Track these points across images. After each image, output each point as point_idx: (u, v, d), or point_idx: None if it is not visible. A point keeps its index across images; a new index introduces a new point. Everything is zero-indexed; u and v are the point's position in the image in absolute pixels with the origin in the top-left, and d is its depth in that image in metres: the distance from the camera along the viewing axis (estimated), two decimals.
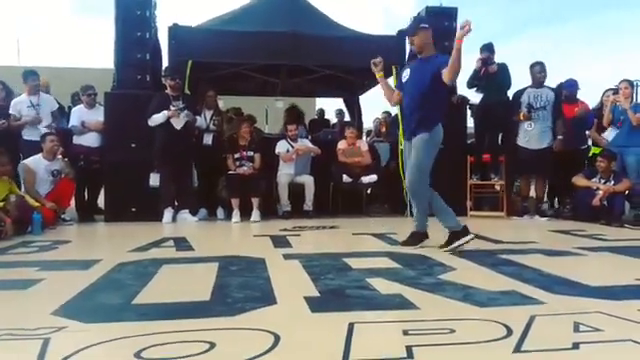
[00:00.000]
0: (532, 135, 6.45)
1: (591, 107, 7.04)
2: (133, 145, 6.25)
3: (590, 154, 6.81)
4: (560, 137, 6.44)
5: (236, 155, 6.43)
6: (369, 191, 7.48)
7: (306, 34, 6.71)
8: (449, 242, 3.94)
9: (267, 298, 2.53)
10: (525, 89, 6.62)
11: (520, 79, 6.80)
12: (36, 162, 5.82)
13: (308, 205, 6.59)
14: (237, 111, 7.85)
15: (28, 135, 6.30)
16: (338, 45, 6.90)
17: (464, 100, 7.07)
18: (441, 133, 4.10)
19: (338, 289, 2.73)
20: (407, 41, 4.09)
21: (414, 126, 4.06)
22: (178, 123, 6.05)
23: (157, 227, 5.73)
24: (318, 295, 2.60)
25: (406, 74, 4.19)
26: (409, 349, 1.77)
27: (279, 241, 4.57)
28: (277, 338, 1.91)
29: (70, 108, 7.06)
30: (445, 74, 3.83)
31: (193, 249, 4.24)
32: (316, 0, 7.68)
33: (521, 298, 2.50)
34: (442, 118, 4.10)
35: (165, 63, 6.71)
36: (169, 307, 2.41)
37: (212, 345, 1.84)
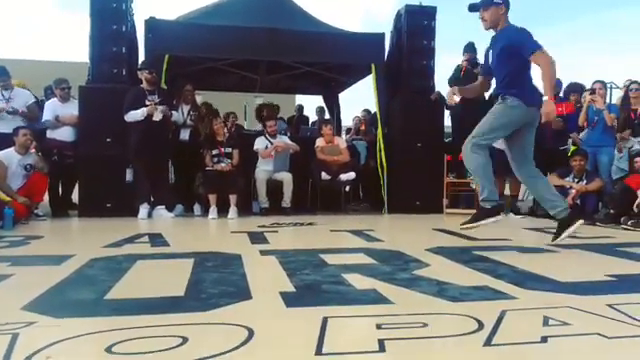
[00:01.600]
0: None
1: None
2: (108, 140, 6.16)
3: (569, 154, 6.92)
4: None
5: (214, 151, 6.39)
6: (347, 189, 7.51)
7: (285, 30, 6.70)
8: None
9: (242, 293, 2.52)
10: None
11: None
12: (8, 156, 5.70)
13: (286, 202, 6.59)
14: (208, 107, 7.75)
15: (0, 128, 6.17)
16: (318, 42, 6.91)
17: (442, 97, 7.13)
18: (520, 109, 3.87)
19: (314, 284, 2.73)
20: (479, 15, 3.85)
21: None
22: (156, 115, 5.98)
23: (132, 223, 5.66)
24: (293, 290, 2.60)
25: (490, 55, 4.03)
26: (381, 342, 1.79)
27: (256, 237, 4.56)
28: (251, 332, 1.90)
29: (43, 102, 6.93)
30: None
31: (168, 245, 4.20)
32: None
33: (493, 293, 2.53)
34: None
35: (142, 57, 6.63)
36: (142, 302, 2.38)
37: (185, 340, 1.82)
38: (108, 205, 6.11)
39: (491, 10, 3.80)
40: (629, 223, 5.32)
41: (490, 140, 3.98)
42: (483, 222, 3.90)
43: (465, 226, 3.96)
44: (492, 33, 3.94)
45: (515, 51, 3.74)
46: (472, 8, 3.90)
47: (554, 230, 5.12)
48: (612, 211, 5.79)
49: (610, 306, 2.25)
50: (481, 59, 6.77)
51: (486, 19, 3.84)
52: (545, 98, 3.73)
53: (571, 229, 3.94)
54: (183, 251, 3.83)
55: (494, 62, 3.95)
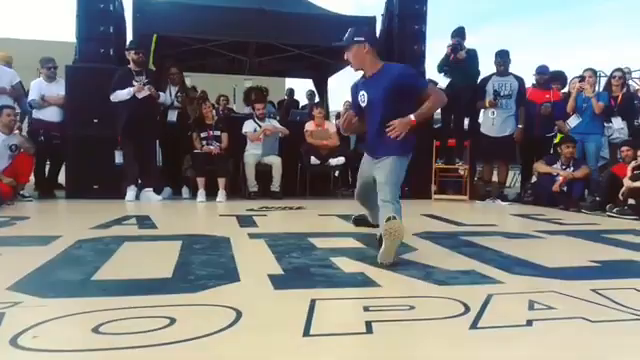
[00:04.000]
0: (495, 122, 6.57)
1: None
2: (95, 121, 6.07)
3: (557, 141, 6.96)
4: (520, 126, 6.56)
5: (203, 134, 6.34)
6: (337, 173, 7.51)
7: (275, 11, 6.62)
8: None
9: (230, 275, 2.53)
10: (490, 77, 6.72)
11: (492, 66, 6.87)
12: None
13: (275, 186, 6.56)
14: (191, 90, 7.66)
15: None
16: (307, 24, 6.85)
17: (432, 84, 7.13)
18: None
19: (302, 267, 2.74)
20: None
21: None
22: (142, 93, 5.90)
23: (120, 205, 5.62)
24: (282, 273, 2.61)
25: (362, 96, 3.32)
26: (368, 324, 1.80)
27: (245, 221, 4.56)
28: (239, 314, 1.91)
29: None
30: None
31: (156, 227, 4.18)
32: None
33: (480, 277, 2.56)
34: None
35: (130, 37, 6.52)
36: (130, 283, 2.38)
37: (172, 320, 1.83)
38: (95, 187, 6.05)
39: (354, 50, 3.22)
40: (614, 211, 5.38)
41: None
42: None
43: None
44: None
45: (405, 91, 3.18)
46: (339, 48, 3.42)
47: (540, 217, 5.20)
48: (598, 199, 5.86)
49: (594, 291, 2.29)
50: (468, 45, 6.82)
51: (351, 59, 3.27)
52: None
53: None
54: (171, 233, 3.82)
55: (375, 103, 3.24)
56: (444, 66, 6.84)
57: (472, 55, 6.77)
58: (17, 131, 5.90)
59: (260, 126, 6.73)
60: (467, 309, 2.00)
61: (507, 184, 7.42)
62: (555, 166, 6.26)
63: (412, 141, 3.24)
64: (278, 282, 2.40)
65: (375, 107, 3.21)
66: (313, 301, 2.06)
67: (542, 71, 7.09)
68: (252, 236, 3.74)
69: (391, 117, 3.13)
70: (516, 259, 3.04)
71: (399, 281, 2.49)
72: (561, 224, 4.74)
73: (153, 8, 6.44)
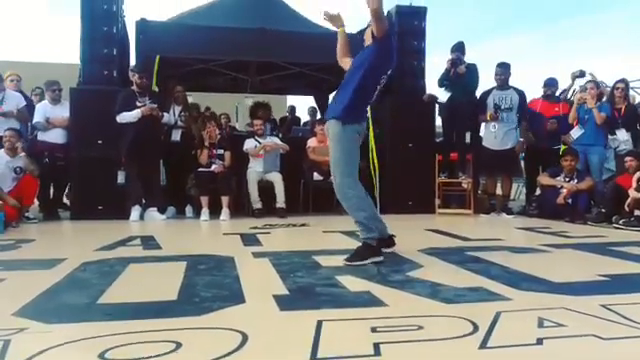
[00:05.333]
0: (497, 136, 6.58)
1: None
2: (99, 142, 6.11)
3: (561, 153, 6.96)
4: (521, 139, 6.57)
5: (207, 152, 6.36)
6: None
7: (275, 30, 6.68)
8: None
9: (235, 297, 2.51)
10: (491, 90, 6.75)
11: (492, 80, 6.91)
12: None
13: (280, 202, 6.54)
14: (195, 106, 7.69)
15: None
16: (308, 42, 6.89)
17: (433, 98, 7.15)
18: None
19: (307, 287, 2.72)
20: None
21: None
22: (147, 111, 5.94)
23: (124, 225, 5.62)
24: (287, 293, 2.59)
25: None
26: (376, 346, 1.78)
27: (249, 239, 4.54)
28: (245, 337, 1.89)
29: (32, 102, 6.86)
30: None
31: (160, 247, 4.17)
32: None
33: (487, 294, 2.54)
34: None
35: (133, 58, 6.59)
36: (135, 307, 2.36)
37: (178, 345, 1.81)
38: (100, 207, 6.07)
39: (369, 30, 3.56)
40: (621, 222, 5.35)
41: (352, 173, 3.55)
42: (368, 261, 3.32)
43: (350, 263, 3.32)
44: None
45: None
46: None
47: (546, 230, 5.17)
48: (604, 210, 5.83)
49: (604, 306, 2.26)
50: (468, 59, 6.86)
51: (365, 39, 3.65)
52: None
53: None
54: (175, 254, 3.80)
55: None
56: (444, 80, 6.87)
57: (472, 69, 6.79)
58: (23, 153, 5.93)
59: (260, 143, 6.75)
60: (476, 328, 1.98)
61: (511, 197, 7.40)
62: (559, 178, 6.24)
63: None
64: (283, 303, 2.38)
65: None
66: (320, 322, 2.04)
67: (551, 83, 7.10)
68: (256, 255, 3.73)
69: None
70: (523, 274, 3.02)
71: (406, 300, 2.46)
72: (567, 237, 4.71)
73: (156, 30, 6.51)
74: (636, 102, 7.34)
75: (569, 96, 7.31)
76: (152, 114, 5.94)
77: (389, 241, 3.71)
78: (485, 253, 3.71)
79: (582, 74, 7.13)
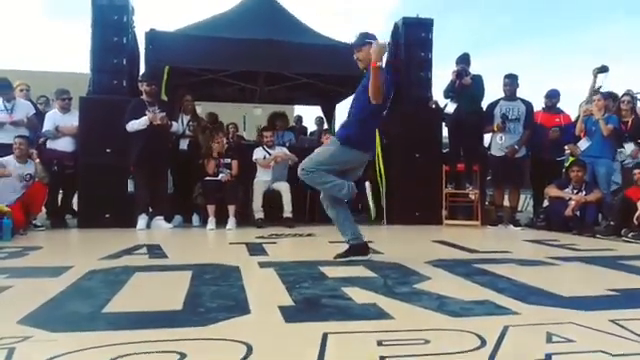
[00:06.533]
0: (503, 147, 6.55)
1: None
2: (108, 150, 6.15)
3: (567, 164, 6.91)
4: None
5: (214, 162, 6.37)
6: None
7: (284, 42, 6.73)
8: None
9: (241, 307, 2.50)
10: (498, 101, 6.74)
11: (499, 90, 6.91)
12: (7, 160, 5.69)
13: (287, 212, 6.53)
14: (212, 117, 7.79)
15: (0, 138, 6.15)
16: (315, 53, 6.94)
17: (438, 106, 7.14)
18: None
19: (313, 298, 2.71)
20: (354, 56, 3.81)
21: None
22: (155, 119, 5.98)
23: (131, 234, 5.64)
24: (293, 304, 2.57)
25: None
26: None
27: (255, 249, 4.54)
28: (250, 349, 1.88)
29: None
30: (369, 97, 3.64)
31: (167, 256, 4.18)
32: (292, 8, 7.76)
33: (495, 308, 2.51)
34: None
35: (142, 68, 6.64)
36: (140, 316, 2.36)
37: (183, 356, 1.80)
38: (107, 216, 6.09)
39: (364, 50, 3.72)
40: (630, 235, 5.30)
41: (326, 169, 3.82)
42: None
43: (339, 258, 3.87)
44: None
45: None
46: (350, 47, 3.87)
47: (554, 242, 5.13)
48: (612, 223, 5.77)
49: (613, 322, 2.23)
50: (473, 70, 6.85)
51: (360, 59, 3.79)
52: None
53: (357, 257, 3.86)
54: (181, 263, 3.80)
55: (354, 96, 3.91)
56: (450, 92, 6.87)
57: (478, 81, 6.79)
58: (38, 160, 5.98)
59: (269, 153, 6.76)
60: (483, 342, 1.95)
61: (519, 208, 7.36)
62: (566, 190, 6.20)
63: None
64: (289, 314, 2.37)
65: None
66: (325, 335, 2.02)
67: (552, 95, 7.09)
68: (262, 265, 3.72)
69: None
70: (531, 288, 2.99)
71: (412, 313, 2.44)
72: (575, 250, 4.67)
73: (165, 40, 6.57)
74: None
75: (591, 96, 7.11)
76: (161, 123, 5.97)
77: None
78: (492, 266, 3.68)
79: (604, 69, 6.98)
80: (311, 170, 3.81)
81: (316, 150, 4.00)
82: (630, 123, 6.40)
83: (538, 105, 7.09)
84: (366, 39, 3.76)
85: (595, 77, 7.02)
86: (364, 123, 3.82)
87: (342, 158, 3.82)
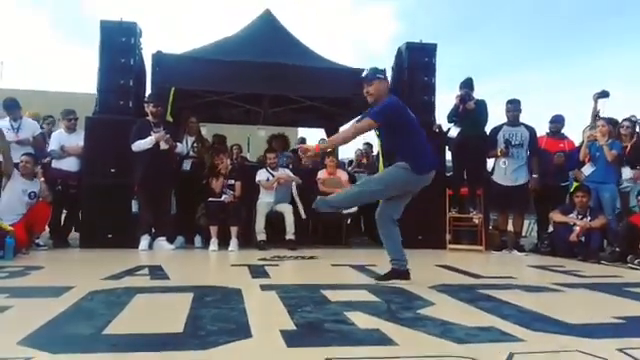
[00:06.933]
0: (507, 172, 6.55)
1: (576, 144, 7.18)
2: (113, 170, 6.17)
3: (572, 190, 6.89)
4: (535, 176, 6.54)
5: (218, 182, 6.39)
6: (349, 221, 7.47)
7: (288, 65, 6.80)
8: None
9: (242, 331, 2.47)
10: (501, 126, 6.76)
11: (502, 116, 6.93)
12: (13, 176, 5.71)
13: (290, 234, 6.51)
14: (220, 139, 7.83)
15: None
16: (319, 76, 7.00)
17: (442, 130, 7.16)
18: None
19: (315, 322, 2.68)
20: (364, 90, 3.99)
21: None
22: (162, 144, 6.02)
23: (133, 254, 5.62)
24: (294, 328, 2.54)
25: None
26: None
27: (257, 271, 4.51)
28: None
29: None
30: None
31: (168, 278, 4.15)
32: (296, 31, 7.87)
33: (500, 334, 2.48)
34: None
35: (149, 89, 6.71)
36: (140, 338, 2.33)
37: None
38: (109, 236, 6.08)
39: (375, 84, 3.92)
40: (636, 262, 5.25)
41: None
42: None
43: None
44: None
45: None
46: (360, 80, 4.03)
47: (558, 268, 5.09)
48: (617, 249, 5.73)
49: (620, 350, 2.19)
50: (476, 94, 6.90)
51: (371, 93, 3.93)
52: None
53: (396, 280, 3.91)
54: (182, 285, 3.78)
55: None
56: (453, 116, 6.90)
57: (481, 105, 6.81)
58: (42, 178, 6.00)
59: (273, 175, 6.77)
60: None
61: (523, 233, 7.32)
62: (571, 215, 6.17)
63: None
64: (291, 339, 2.34)
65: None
66: None
67: (557, 120, 7.11)
68: (264, 288, 3.69)
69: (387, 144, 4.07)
70: (536, 314, 2.95)
71: (416, 339, 2.41)
72: (581, 276, 4.63)
73: (171, 62, 6.65)
74: None
75: (593, 121, 7.15)
76: (167, 145, 6.01)
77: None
78: (497, 291, 3.64)
79: (605, 94, 7.05)
80: (378, 190, 3.93)
81: (379, 175, 4.22)
82: (629, 148, 6.41)
83: (541, 130, 7.12)
84: (377, 74, 3.95)
85: (596, 102, 7.09)
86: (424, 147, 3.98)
87: (399, 185, 3.93)
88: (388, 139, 4.04)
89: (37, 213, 5.79)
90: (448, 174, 7.37)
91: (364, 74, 4.00)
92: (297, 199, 6.83)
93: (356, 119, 4.19)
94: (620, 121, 6.75)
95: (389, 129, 3.92)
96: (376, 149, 7.69)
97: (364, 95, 3.98)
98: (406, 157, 3.86)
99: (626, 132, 6.50)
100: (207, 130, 8.07)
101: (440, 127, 7.17)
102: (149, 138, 5.96)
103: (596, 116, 6.98)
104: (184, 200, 6.66)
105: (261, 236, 6.45)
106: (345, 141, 4.11)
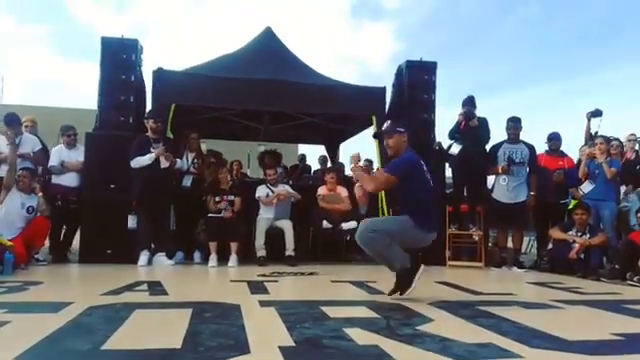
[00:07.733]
0: (507, 189, 6.57)
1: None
2: (112, 186, 6.19)
3: (570, 207, 6.91)
4: (532, 193, 6.56)
5: (217, 198, 6.40)
6: (349, 238, 7.46)
7: (288, 81, 6.86)
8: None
9: (240, 347, 2.46)
10: (502, 144, 6.79)
11: (501, 133, 6.98)
12: (11, 193, 5.72)
13: (290, 250, 6.50)
14: (216, 154, 7.84)
15: (2, 172, 6.20)
16: (320, 93, 7.05)
17: (442, 147, 7.19)
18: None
19: (314, 339, 2.67)
20: (384, 143, 4.19)
21: None
22: (163, 163, 6.04)
23: (132, 270, 5.60)
24: (293, 345, 2.54)
25: None
26: None
27: (256, 287, 4.50)
28: None
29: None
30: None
31: (167, 294, 4.14)
32: (296, 50, 7.95)
33: (498, 351, 2.47)
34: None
35: (149, 106, 6.75)
36: (139, 354, 2.33)
37: None
38: (109, 251, 6.07)
39: (395, 137, 4.08)
40: (635, 279, 5.25)
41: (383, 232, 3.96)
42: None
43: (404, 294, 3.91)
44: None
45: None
46: (376, 135, 4.16)
47: (558, 285, 5.08)
48: (617, 266, 5.72)
49: None
50: (479, 112, 6.95)
51: (391, 146, 4.10)
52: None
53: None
54: (181, 300, 3.77)
55: None
56: (455, 133, 6.93)
57: (483, 122, 6.85)
58: (41, 193, 6.01)
59: (272, 191, 6.79)
60: None
61: (522, 250, 7.31)
62: (571, 233, 6.17)
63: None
64: (289, 355, 2.33)
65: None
66: None
67: (554, 137, 7.15)
68: (263, 304, 3.68)
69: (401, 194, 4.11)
70: (535, 331, 2.94)
71: (415, 355, 2.40)
72: (580, 293, 4.62)
73: (172, 79, 6.71)
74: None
75: (587, 140, 7.20)
76: (167, 162, 6.03)
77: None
78: (496, 308, 3.64)
79: (598, 113, 7.11)
80: (380, 233, 3.89)
81: (387, 218, 4.41)
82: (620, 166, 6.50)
83: (539, 148, 7.15)
84: (397, 128, 4.12)
85: (589, 121, 7.14)
86: (429, 206, 4.07)
87: (410, 236, 3.97)
88: (397, 187, 4.09)
89: (36, 228, 5.79)
90: (448, 191, 7.39)
91: (384, 127, 4.18)
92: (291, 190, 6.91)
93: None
94: (611, 139, 6.80)
95: (402, 179, 4.02)
96: (376, 165, 7.70)
97: (385, 147, 4.23)
98: (410, 211, 3.97)
99: (616, 151, 6.56)
100: (207, 146, 8.10)
101: (440, 145, 7.20)
102: (149, 155, 5.99)
103: (590, 135, 7.04)
104: (184, 216, 6.66)
105: (261, 252, 6.44)
106: (368, 190, 4.48)
